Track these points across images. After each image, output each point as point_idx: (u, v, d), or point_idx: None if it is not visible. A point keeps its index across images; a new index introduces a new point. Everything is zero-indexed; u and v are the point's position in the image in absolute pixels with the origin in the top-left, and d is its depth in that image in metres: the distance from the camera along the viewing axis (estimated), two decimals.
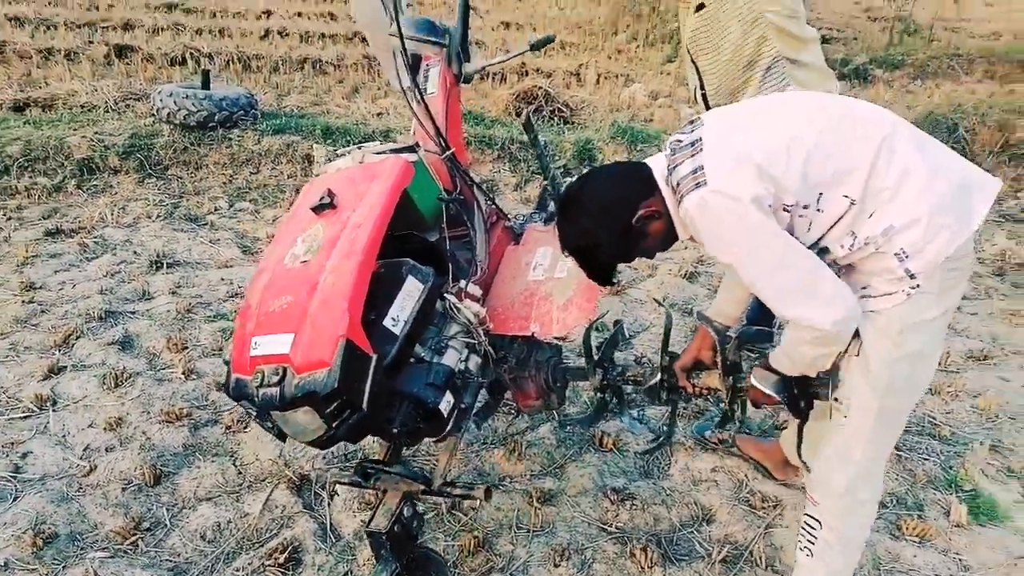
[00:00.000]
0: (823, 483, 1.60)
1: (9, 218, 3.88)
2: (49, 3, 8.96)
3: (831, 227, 1.40)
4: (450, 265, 1.85)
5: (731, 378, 1.75)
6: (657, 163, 1.52)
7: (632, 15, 10.15)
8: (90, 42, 7.47)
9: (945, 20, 13.82)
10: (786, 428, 2.31)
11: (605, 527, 2.16)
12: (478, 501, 1.71)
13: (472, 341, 1.75)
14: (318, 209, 1.71)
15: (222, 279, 3.39)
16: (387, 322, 1.59)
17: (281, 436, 1.60)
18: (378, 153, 1.89)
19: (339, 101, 6.20)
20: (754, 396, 1.63)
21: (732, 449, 2.46)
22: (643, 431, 2.51)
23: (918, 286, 1.37)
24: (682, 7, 2.25)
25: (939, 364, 3.07)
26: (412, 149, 1.90)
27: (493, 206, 2.20)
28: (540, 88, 6.22)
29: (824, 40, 12.04)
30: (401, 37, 1.87)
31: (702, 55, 2.23)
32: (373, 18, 1.99)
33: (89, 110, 5.11)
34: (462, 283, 1.82)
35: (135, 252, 3.54)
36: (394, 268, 1.69)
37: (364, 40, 8.47)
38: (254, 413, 1.56)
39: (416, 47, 2.15)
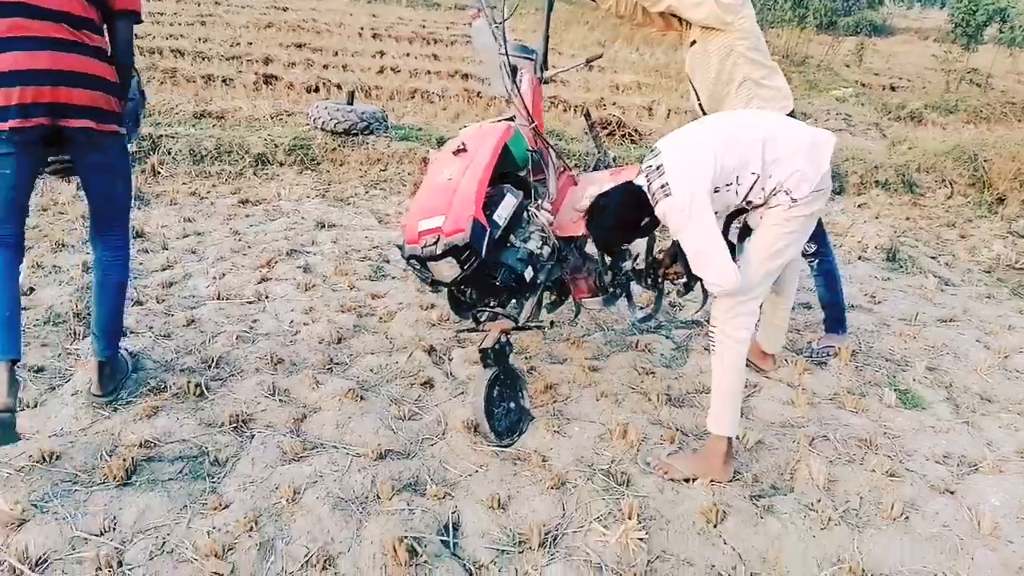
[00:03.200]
0: (716, 306, 2.56)
1: (208, 192, 5.22)
2: (200, 39, 10.68)
3: (749, 190, 2.43)
4: (532, 191, 2.96)
5: (683, 264, 2.73)
6: (640, 181, 2.46)
7: None
8: (240, 71, 9.04)
9: (1020, 73, 14.42)
10: (758, 331, 3.27)
11: (633, 387, 3.18)
12: (544, 329, 2.78)
13: (545, 235, 2.83)
14: (456, 152, 2.85)
15: (366, 237, 4.60)
16: (495, 217, 2.69)
17: (433, 284, 2.71)
18: (492, 122, 3.04)
19: (444, 123, 7.47)
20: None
21: None
22: (642, 313, 3.47)
23: (795, 201, 2.40)
24: (682, 44, 3.23)
25: (909, 321, 3.98)
26: (512, 119, 3.03)
27: (561, 161, 3.29)
28: (614, 116, 7.35)
29: (892, 88, 12.81)
30: (506, 54, 3.02)
31: (696, 77, 3.13)
32: (488, 44, 3.14)
33: (254, 120, 6.53)
34: (539, 202, 2.91)
35: (303, 217, 4.81)
36: (500, 189, 2.80)
37: (464, 76, 9.85)
38: (418, 266, 2.67)
39: (515, 61, 3.29)
